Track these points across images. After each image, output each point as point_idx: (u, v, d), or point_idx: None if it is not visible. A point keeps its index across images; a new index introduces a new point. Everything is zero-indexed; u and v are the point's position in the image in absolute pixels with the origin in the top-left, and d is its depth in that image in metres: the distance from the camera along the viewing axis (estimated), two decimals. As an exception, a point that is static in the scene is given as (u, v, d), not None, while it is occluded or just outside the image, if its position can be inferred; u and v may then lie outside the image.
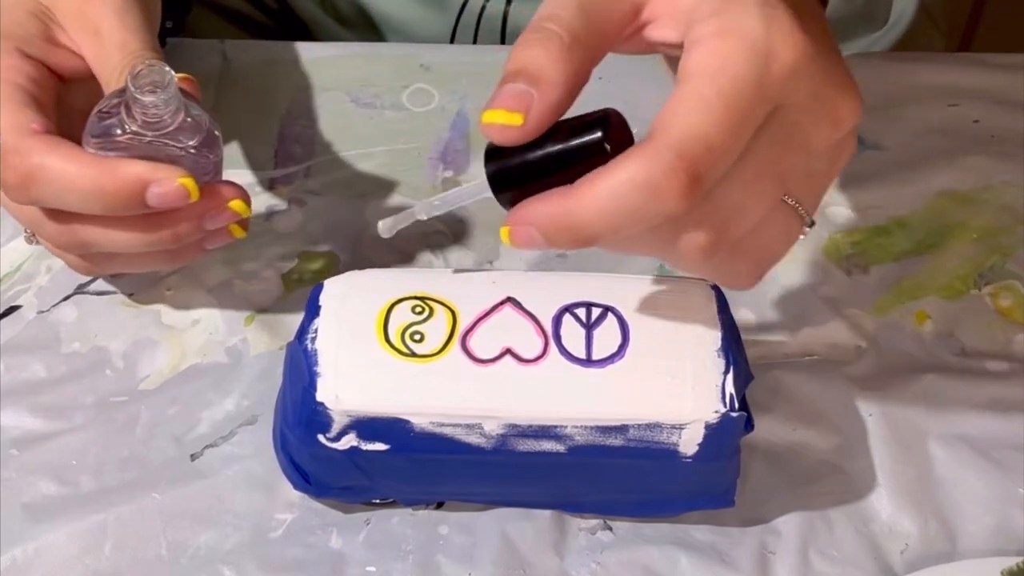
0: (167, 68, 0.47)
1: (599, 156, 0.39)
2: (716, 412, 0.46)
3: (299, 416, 0.47)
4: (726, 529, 0.51)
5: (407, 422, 0.46)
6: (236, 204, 0.50)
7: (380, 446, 0.47)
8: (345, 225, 0.60)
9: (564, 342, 0.47)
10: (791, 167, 0.41)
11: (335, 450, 0.47)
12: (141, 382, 0.54)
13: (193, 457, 0.52)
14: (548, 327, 0.47)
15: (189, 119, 0.48)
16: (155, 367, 0.55)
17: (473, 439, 0.46)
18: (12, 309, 0.56)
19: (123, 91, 0.47)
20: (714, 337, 0.47)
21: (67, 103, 0.52)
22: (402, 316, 0.47)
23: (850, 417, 0.54)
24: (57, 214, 0.49)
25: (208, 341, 0.56)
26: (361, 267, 0.57)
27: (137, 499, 0.51)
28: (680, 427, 0.46)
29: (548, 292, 0.48)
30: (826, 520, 0.51)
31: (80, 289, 0.57)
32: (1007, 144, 0.64)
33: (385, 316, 0.47)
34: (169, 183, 0.47)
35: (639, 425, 0.46)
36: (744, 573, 0.50)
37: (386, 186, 0.61)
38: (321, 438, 0.47)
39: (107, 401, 0.54)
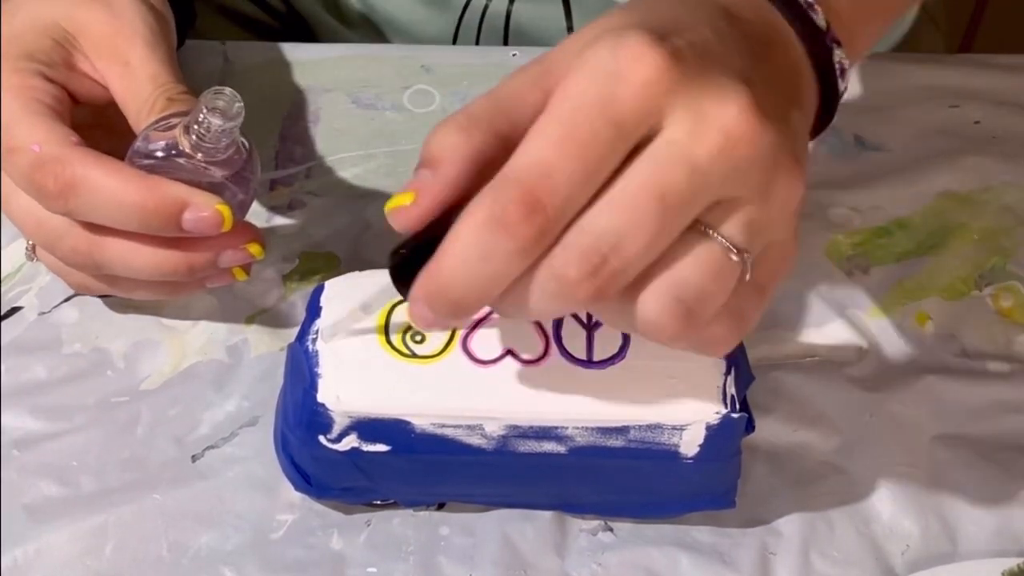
0: (239, 98, 0.47)
1: None
2: (717, 413, 0.46)
3: (300, 417, 0.47)
4: (727, 530, 0.51)
5: (408, 423, 0.46)
6: (254, 247, 0.51)
7: (381, 447, 0.47)
8: (346, 226, 0.60)
9: (565, 343, 0.47)
10: (674, 185, 0.36)
11: (336, 451, 0.47)
12: (142, 383, 0.54)
13: (194, 458, 0.52)
14: (549, 328, 0.47)
15: (236, 155, 0.49)
16: (156, 368, 0.55)
17: (474, 440, 0.46)
18: (14, 310, 0.56)
19: (182, 114, 0.48)
20: (715, 338, 0.47)
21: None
22: (403, 317, 0.47)
23: (851, 418, 0.54)
24: (84, 230, 0.49)
25: (209, 342, 0.56)
26: (362, 268, 0.57)
27: (138, 500, 0.51)
28: (681, 428, 0.46)
29: None
30: (827, 521, 0.51)
31: (81, 290, 0.57)
32: (1008, 145, 0.64)
33: (386, 317, 0.47)
34: (207, 208, 0.48)
35: (640, 426, 0.46)
36: (745, 574, 0.50)
37: (387, 187, 0.61)
38: (322, 439, 0.47)
39: (108, 402, 0.54)
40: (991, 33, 1.37)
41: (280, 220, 0.60)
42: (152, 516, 0.50)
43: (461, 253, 0.37)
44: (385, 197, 0.60)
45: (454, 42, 0.73)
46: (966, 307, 0.58)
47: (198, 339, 0.56)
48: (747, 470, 0.51)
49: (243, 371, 0.55)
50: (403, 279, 0.39)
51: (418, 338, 0.47)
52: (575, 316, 0.47)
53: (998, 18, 1.37)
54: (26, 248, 0.53)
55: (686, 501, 0.49)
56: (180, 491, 0.51)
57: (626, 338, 0.47)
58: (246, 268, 0.52)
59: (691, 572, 0.50)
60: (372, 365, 0.46)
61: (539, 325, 0.47)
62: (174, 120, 0.49)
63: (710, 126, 0.36)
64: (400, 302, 0.48)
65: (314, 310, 0.48)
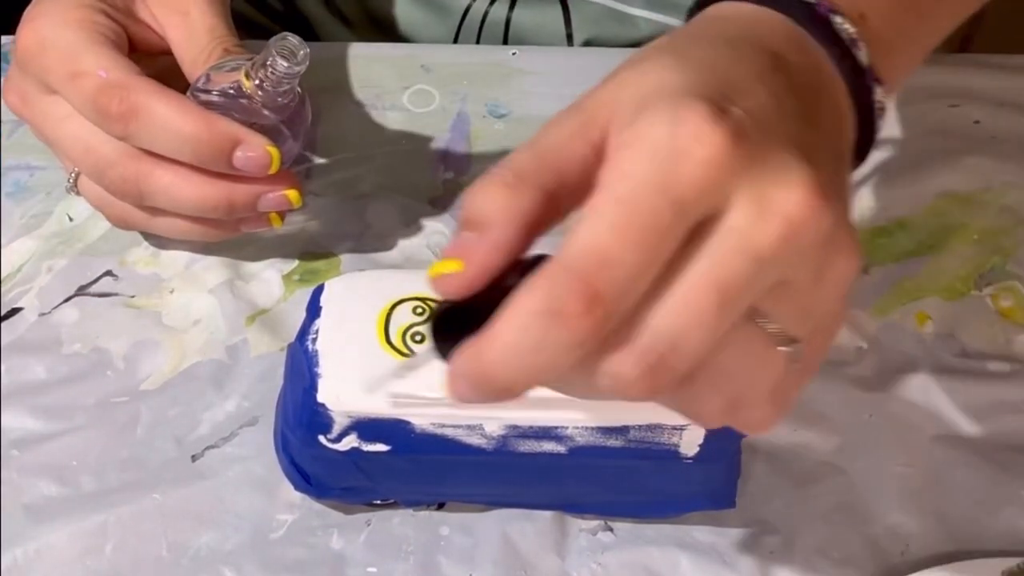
0: (305, 45, 0.50)
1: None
2: (717, 413, 0.46)
3: (300, 417, 0.47)
4: (727, 530, 0.51)
5: (408, 423, 0.46)
6: (292, 194, 0.53)
7: (381, 447, 0.47)
8: (346, 226, 0.60)
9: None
10: (735, 277, 0.34)
11: (336, 451, 0.47)
12: (142, 383, 0.54)
13: (194, 458, 0.52)
14: (549, 328, 0.47)
15: (291, 100, 0.52)
16: (156, 368, 0.55)
17: (474, 440, 0.46)
18: (14, 311, 0.56)
19: (245, 59, 0.52)
20: (715, 338, 0.47)
21: None
22: (403, 317, 0.47)
23: (851, 418, 0.54)
24: (134, 159, 0.51)
25: (209, 342, 0.56)
26: (362, 268, 0.58)
27: (138, 500, 0.51)
28: (681, 428, 0.46)
29: None
30: (827, 521, 0.51)
31: (81, 290, 0.57)
32: (1008, 145, 0.64)
33: (386, 317, 0.47)
34: (258, 148, 0.51)
35: (640, 426, 0.46)
36: (745, 574, 0.50)
37: (387, 187, 0.62)
38: (322, 439, 0.47)
39: (108, 402, 0.54)
40: (991, 33, 1.37)
41: (280, 220, 0.60)
42: (152, 516, 0.50)
43: (512, 341, 0.34)
44: (385, 198, 0.61)
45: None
46: (966, 307, 0.58)
47: (198, 339, 0.56)
48: (747, 470, 0.51)
49: (243, 371, 0.55)
50: (442, 337, 0.37)
51: (418, 338, 0.47)
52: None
53: (998, 18, 1.37)
54: (67, 181, 0.55)
55: (686, 501, 0.49)
56: (180, 491, 0.51)
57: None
58: (281, 215, 0.55)
59: (691, 572, 0.50)
60: (372, 365, 0.46)
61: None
62: (237, 62, 0.52)
63: (774, 213, 0.34)
64: (400, 302, 0.48)
65: (314, 310, 0.48)
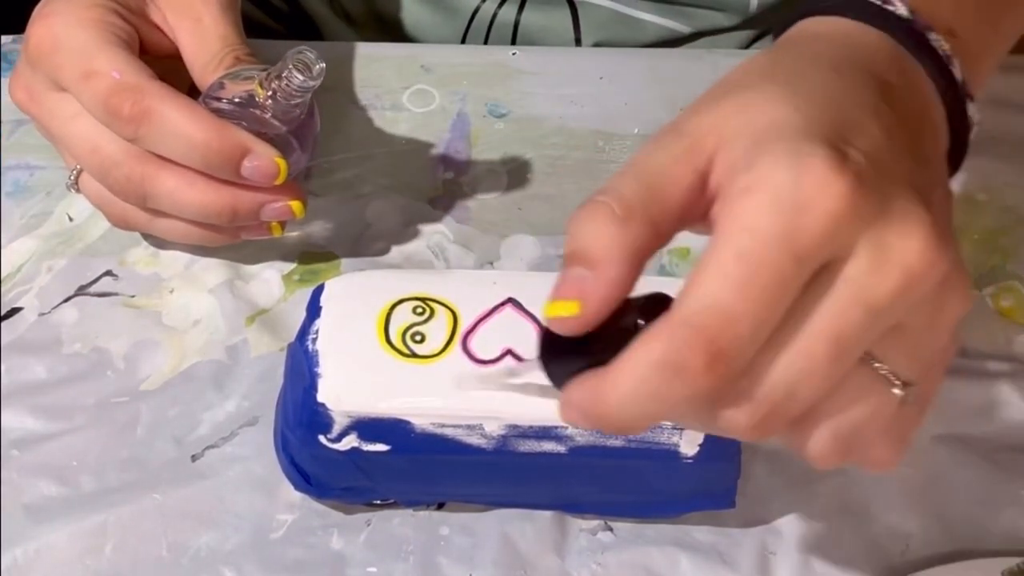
0: (321, 60, 0.50)
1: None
2: (717, 413, 0.46)
3: (300, 417, 0.47)
4: (727, 530, 0.51)
5: (408, 423, 0.46)
6: (296, 205, 0.54)
7: (381, 447, 0.47)
8: (346, 226, 0.60)
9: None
10: (852, 328, 0.35)
11: (336, 451, 0.47)
12: (142, 383, 0.54)
13: (194, 458, 0.52)
14: (549, 328, 0.47)
15: (301, 114, 0.53)
16: (156, 368, 0.55)
17: (474, 440, 0.46)
18: (14, 311, 0.56)
19: (259, 70, 0.52)
20: (715, 338, 0.47)
21: None
22: (403, 317, 0.47)
23: (851, 418, 0.54)
24: (140, 161, 0.52)
25: (209, 342, 0.56)
26: (362, 268, 0.58)
27: (138, 500, 0.51)
28: (681, 428, 0.46)
29: (549, 292, 0.48)
30: (827, 521, 0.51)
31: (81, 290, 0.57)
32: (1008, 145, 0.64)
33: (386, 317, 0.47)
34: (267, 159, 0.51)
35: (640, 426, 0.46)
36: (745, 574, 0.50)
37: (386, 187, 0.62)
38: (322, 439, 0.47)
39: (108, 402, 0.54)
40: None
41: (280, 220, 0.60)
42: (152, 516, 0.50)
43: (631, 390, 0.34)
44: (385, 198, 0.61)
45: None
46: (966, 307, 0.58)
47: (198, 339, 0.56)
48: (747, 470, 0.51)
49: (243, 371, 0.55)
50: (552, 361, 0.37)
51: (418, 338, 0.47)
52: (575, 316, 0.47)
53: (998, 18, 1.36)
54: (68, 179, 0.55)
55: (686, 501, 0.49)
56: (180, 491, 0.51)
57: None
58: (282, 224, 0.55)
59: (691, 572, 0.50)
60: (372, 365, 0.46)
61: (539, 324, 0.47)
62: (251, 72, 0.52)
63: (893, 264, 0.34)
64: (400, 302, 0.48)
65: (314, 310, 0.48)
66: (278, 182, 0.52)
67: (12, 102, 0.56)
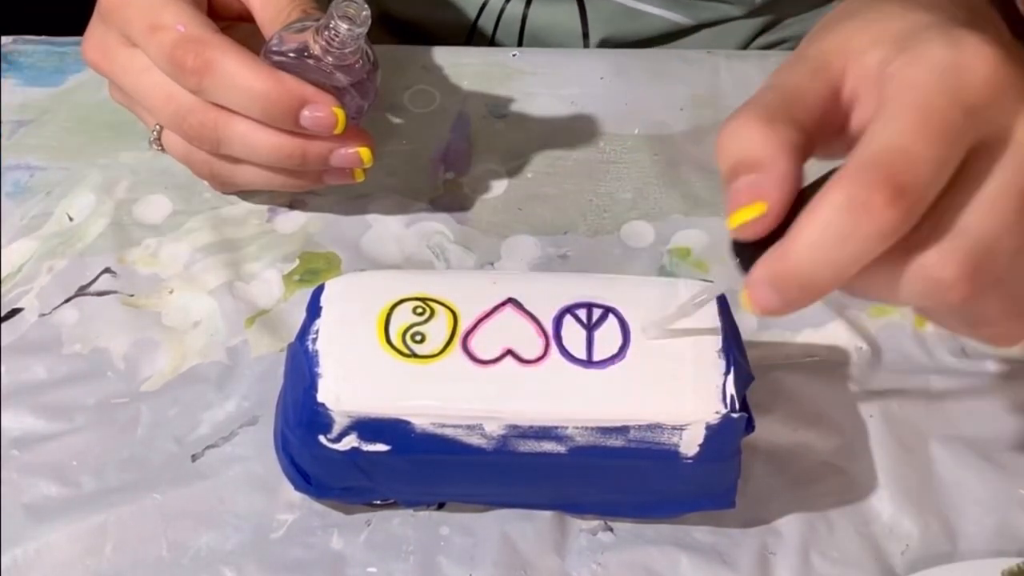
0: (366, 8, 0.51)
1: None
2: (717, 413, 0.46)
3: (300, 417, 0.47)
4: (727, 530, 0.51)
5: (408, 423, 0.46)
6: (364, 152, 0.55)
7: (381, 447, 0.47)
8: (346, 226, 0.60)
9: (565, 343, 0.47)
10: None
11: (336, 451, 0.47)
12: (142, 383, 0.54)
13: (194, 458, 0.52)
14: (549, 328, 0.47)
15: (360, 63, 0.54)
16: (156, 368, 0.55)
17: (474, 440, 0.46)
18: (14, 311, 0.56)
19: (315, 20, 0.53)
20: (715, 338, 0.47)
21: None
22: (403, 317, 0.47)
23: (851, 418, 0.54)
24: (213, 107, 0.53)
25: (209, 342, 0.56)
26: (362, 268, 0.58)
27: (138, 500, 0.51)
28: (681, 428, 0.46)
29: (549, 293, 0.48)
30: (827, 521, 0.51)
31: (81, 291, 0.57)
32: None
33: (386, 317, 0.47)
34: (324, 108, 0.53)
35: (640, 426, 0.46)
36: (745, 574, 0.50)
37: (387, 187, 0.62)
38: (322, 439, 0.47)
39: (108, 402, 0.54)
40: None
41: (280, 220, 0.60)
42: (152, 516, 0.50)
43: (817, 236, 0.36)
44: (385, 198, 0.61)
45: (468, 43, 0.73)
46: (966, 307, 0.58)
47: (198, 339, 0.56)
48: (747, 470, 0.51)
49: (243, 371, 0.55)
50: (743, 257, 0.39)
51: (418, 338, 0.47)
52: (575, 316, 0.47)
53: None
54: (151, 137, 0.57)
55: (686, 501, 0.49)
56: (180, 491, 0.51)
57: (626, 338, 0.47)
58: (364, 170, 0.56)
59: (691, 572, 0.50)
60: (372, 365, 0.46)
61: (539, 325, 0.47)
62: (305, 24, 0.53)
63: None
64: (400, 302, 0.48)
65: (314, 310, 0.48)
66: (337, 131, 0.53)
67: (86, 62, 0.57)
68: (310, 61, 0.53)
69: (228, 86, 0.52)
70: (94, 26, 0.56)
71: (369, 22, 0.51)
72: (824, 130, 0.40)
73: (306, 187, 0.58)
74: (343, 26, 0.51)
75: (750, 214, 0.37)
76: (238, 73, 0.52)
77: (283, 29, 0.54)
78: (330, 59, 0.53)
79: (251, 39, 0.55)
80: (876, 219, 0.36)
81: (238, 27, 0.56)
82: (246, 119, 0.53)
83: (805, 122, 0.39)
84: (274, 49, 0.54)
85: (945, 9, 0.41)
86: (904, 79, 0.37)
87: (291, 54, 0.53)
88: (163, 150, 0.57)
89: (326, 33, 0.52)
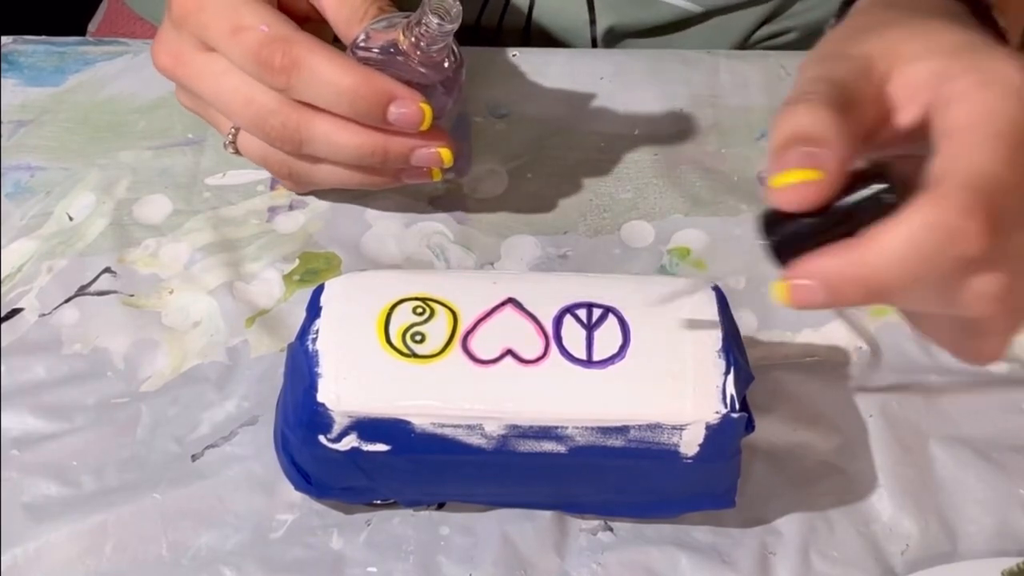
0: (458, 5, 0.51)
1: (884, 208, 0.38)
2: (717, 413, 0.46)
3: (300, 417, 0.47)
4: (727, 530, 0.51)
5: (408, 423, 0.46)
6: (444, 152, 0.55)
7: (381, 447, 0.47)
8: (346, 226, 0.60)
9: (565, 343, 0.47)
10: None
11: (336, 451, 0.47)
12: (142, 383, 0.54)
13: (194, 458, 0.52)
14: (549, 328, 0.47)
15: (447, 60, 0.54)
16: (156, 368, 0.55)
17: (474, 440, 0.46)
18: (14, 312, 0.56)
19: (404, 16, 0.53)
20: (715, 338, 0.47)
21: None
22: (403, 317, 0.47)
23: (850, 418, 0.54)
24: (297, 104, 0.53)
25: (209, 342, 0.56)
26: (362, 268, 0.58)
27: (138, 499, 0.51)
28: (681, 428, 0.46)
29: (549, 293, 0.48)
30: (827, 521, 0.51)
31: (81, 291, 0.57)
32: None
33: (386, 317, 0.47)
34: (412, 104, 0.53)
35: (640, 426, 0.46)
36: (745, 574, 0.50)
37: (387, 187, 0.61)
38: (322, 439, 0.47)
39: (108, 402, 0.54)
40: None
41: (280, 220, 0.60)
42: (152, 516, 0.50)
43: (903, 249, 0.37)
44: (385, 197, 0.61)
45: (475, 32, 0.73)
46: (966, 307, 0.58)
47: (198, 340, 0.56)
48: (747, 470, 0.51)
49: (243, 371, 0.55)
50: (777, 243, 0.39)
51: (418, 338, 0.47)
52: (575, 316, 0.47)
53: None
54: (225, 140, 0.57)
55: (686, 501, 0.49)
56: (180, 491, 0.51)
57: (626, 338, 0.47)
58: (443, 169, 0.56)
59: (691, 572, 0.50)
60: (372, 365, 0.46)
61: (539, 325, 0.47)
62: (394, 20, 0.53)
63: None
64: (400, 302, 0.48)
65: (314, 310, 0.48)
66: (423, 127, 0.53)
67: (157, 68, 0.56)
68: (399, 58, 0.53)
69: (317, 82, 0.52)
70: (165, 32, 0.56)
71: (460, 18, 0.51)
72: (867, 120, 0.41)
73: (384, 186, 0.57)
74: (435, 21, 0.51)
75: (801, 176, 0.38)
76: (326, 69, 0.52)
77: (370, 26, 0.54)
78: (419, 55, 0.53)
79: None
80: (967, 245, 0.37)
81: (304, 27, 0.56)
82: (328, 119, 0.53)
83: (861, 117, 0.40)
84: (360, 45, 0.54)
85: (976, 29, 0.43)
86: (982, 103, 0.38)
87: (378, 51, 0.53)
88: (238, 153, 0.57)
89: (417, 29, 0.52)
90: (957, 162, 0.38)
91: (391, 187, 0.58)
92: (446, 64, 0.54)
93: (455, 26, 0.51)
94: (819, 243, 0.38)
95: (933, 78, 0.40)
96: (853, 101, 0.40)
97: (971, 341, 0.42)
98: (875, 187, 0.38)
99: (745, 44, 0.73)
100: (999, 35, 0.47)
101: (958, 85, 0.39)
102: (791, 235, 0.39)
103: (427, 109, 0.53)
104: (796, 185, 0.38)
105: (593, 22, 0.71)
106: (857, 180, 0.38)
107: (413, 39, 0.52)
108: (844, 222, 0.38)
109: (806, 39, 0.74)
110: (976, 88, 0.39)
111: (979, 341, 0.42)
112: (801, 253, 0.39)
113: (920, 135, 0.41)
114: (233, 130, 0.56)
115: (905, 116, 0.41)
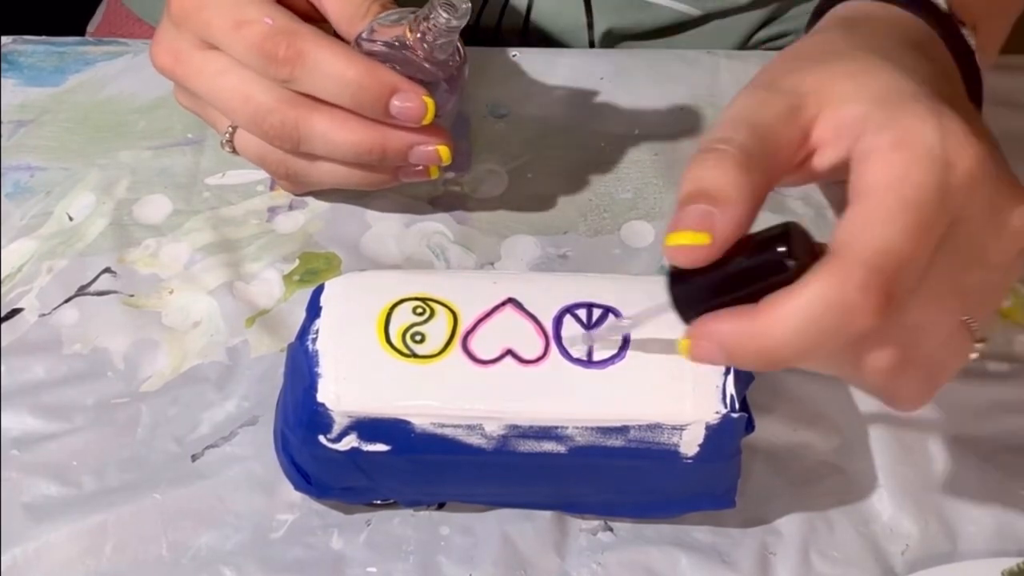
0: (467, 1, 0.51)
1: (783, 273, 0.38)
2: (717, 413, 0.46)
3: (300, 417, 0.47)
4: (727, 530, 0.51)
5: (408, 423, 0.46)
6: (443, 150, 0.55)
7: (381, 447, 0.47)
8: (346, 226, 0.60)
9: (565, 343, 0.47)
10: (970, 283, 0.40)
11: (336, 451, 0.47)
12: (142, 383, 0.54)
13: (194, 458, 0.52)
14: (549, 328, 0.47)
15: (452, 57, 0.54)
16: (156, 368, 0.55)
17: (474, 440, 0.46)
18: (14, 312, 0.56)
19: (412, 11, 0.53)
20: (715, 338, 0.47)
21: None
22: (403, 317, 0.47)
23: (851, 418, 0.54)
24: (292, 106, 0.53)
25: (209, 342, 0.56)
26: (362, 268, 0.58)
27: (138, 500, 0.51)
28: (681, 428, 0.46)
29: (549, 293, 0.48)
30: (827, 521, 0.51)
31: (81, 291, 0.57)
32: (1008, 145, 0.64)
33: (386, 317, 0.47)
34: (415, 98, 0.52)
35: (640, 426, 0.46)
36: (745, 574, 0.50)
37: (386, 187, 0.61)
38: (322, 439, 0.47)
39: (108, 402, 0.54)
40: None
41: (280, 220, 0.60)
42: (152, 516, 0.50)
43: (800, 325, 0.37)
44: (385, 197, 0.61)
45: (473, 33, 0.73)
46: (966, 307, 0.58)
47: (198, 340, 0.56)
48: (747, 470, 0.51)
49: (243, 371, 0.55)
50: (681, 301, 0.40)
51: (418, 338, 0.47)
52: (575, 316, 0.47)
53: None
54: (223, 139, 0.57)
55: (686, 501, 0.49)
56: (180, 491, 0.51)
57: (626, 338, 0.47)
58: (440, 167, 0.56)
59: (691, 572, 0.50)
60: (372, 365, 0.46)
61: (539, 325, 0.47)
62: (401, 15, 0.53)
63: (1007, 230, 0.39)
64: (400, 302, 0.48)
65: (314, 310, 0.48)
66: (426, 121, 0.53)
67: (155, 67, 0.56)
68: (404, 53, 0.53)
69: (320, 74, 0.52)
70: (164, 30, 0.56)
71: (468, 15, 0.51)
72: (789, 167, 0.41)
73: (381, 185, 0.57)
74: (443, 17, 0.51)
75: (692, 240, 0.38)
76: (331, 61, 0.52)
77: (376, 21, 0.54)
78: (424, 51, 0.53)
79: None
80: (863, 321, 0.37)
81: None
82: (326, 116, 0.53)
83: (776, 172, 0.40)
84: (366, 39, 0.54)
85: (919, 70, 0.42)
86: (894, 165, 0.38)
87: (384, 45, 0.53)
88: (235, 152, 0.57)
89: (424, 24, 0.52)
90: (861, 232, 0.37)
91: (389, 186, 0.58)
92: (451, 61, 0.54)
93: (463, 23, 0.51)
94: (720, 302, 0.39)
95: (856, 125, 0.39)
96: (771, 148, 0.39)
97: (888, 397, 0.43)
98: (776, 250, 0.38)
99: (744, 47, 0.73)
100: (969, 57, 0.47)
101: (875, 141, 0.39)
102: (693, 290, 0.39)
103: (430, 103, 0.53)
104: (686, 247, 0.38)
105: (591, 25, 0.71)
106: (761, 239, 0.39)
107: (420, 34, 0.52)
108: (745, 283, 0.38)
109: None
110: (890, 148, 0.38)
111: (895, 398, 0.42)
112: (703, 309, 0.39)
113: (843, 174, 0.40)
114: (230, 129, 0.56)
115: (828, 157, 0.41)
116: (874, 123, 0.39)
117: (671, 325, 0.47)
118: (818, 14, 0.49)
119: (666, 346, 0.41)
